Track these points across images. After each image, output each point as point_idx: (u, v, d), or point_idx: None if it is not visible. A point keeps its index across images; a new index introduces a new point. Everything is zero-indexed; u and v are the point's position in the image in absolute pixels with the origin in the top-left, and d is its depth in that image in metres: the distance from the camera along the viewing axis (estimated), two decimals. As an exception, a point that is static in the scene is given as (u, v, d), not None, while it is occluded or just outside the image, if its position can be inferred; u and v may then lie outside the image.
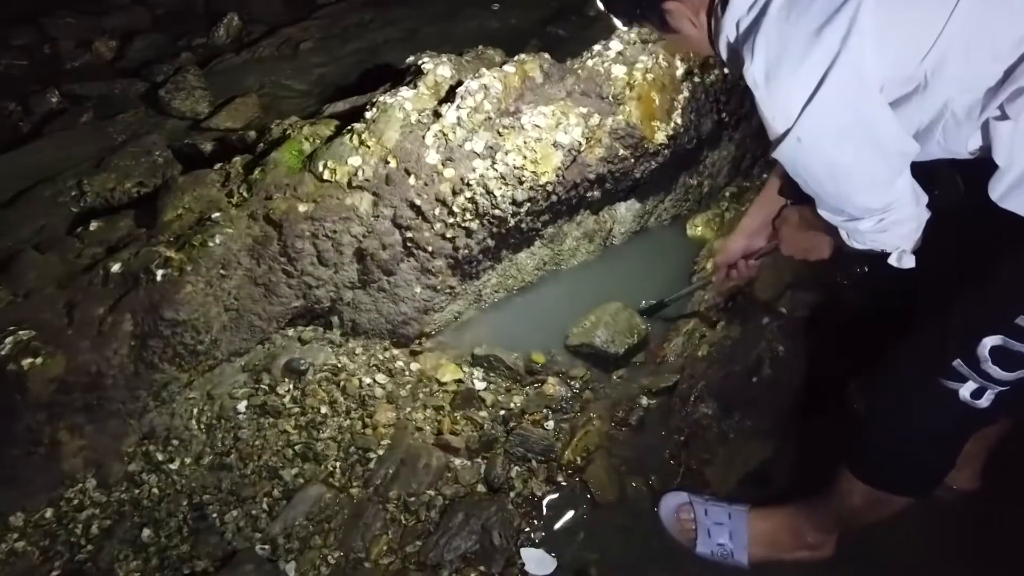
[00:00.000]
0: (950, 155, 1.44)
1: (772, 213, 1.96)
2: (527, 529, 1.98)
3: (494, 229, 2.38)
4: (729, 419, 2.13)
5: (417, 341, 2.46)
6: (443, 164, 2.34)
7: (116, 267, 2.12)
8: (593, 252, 2.77)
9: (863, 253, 1.52)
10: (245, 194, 2.38)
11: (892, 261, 1.50)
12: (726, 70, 2.39)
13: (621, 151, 2.50)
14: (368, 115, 2.43)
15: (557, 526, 2.01)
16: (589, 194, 2.56)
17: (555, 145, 2.38)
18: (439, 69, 2.57)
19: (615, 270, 2.72)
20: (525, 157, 2.34)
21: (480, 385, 2.27)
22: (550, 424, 2.19)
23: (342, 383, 2.25)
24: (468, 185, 2.32)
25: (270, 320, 2.32)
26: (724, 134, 2.93)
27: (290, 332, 2.38)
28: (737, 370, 2.18)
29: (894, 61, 1.32)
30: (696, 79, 2.67)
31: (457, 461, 2.07)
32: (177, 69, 3.67)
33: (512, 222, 2.39)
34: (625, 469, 2.08)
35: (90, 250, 2.30)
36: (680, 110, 2.61)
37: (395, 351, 2.40)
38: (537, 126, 2.38)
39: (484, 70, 2.46)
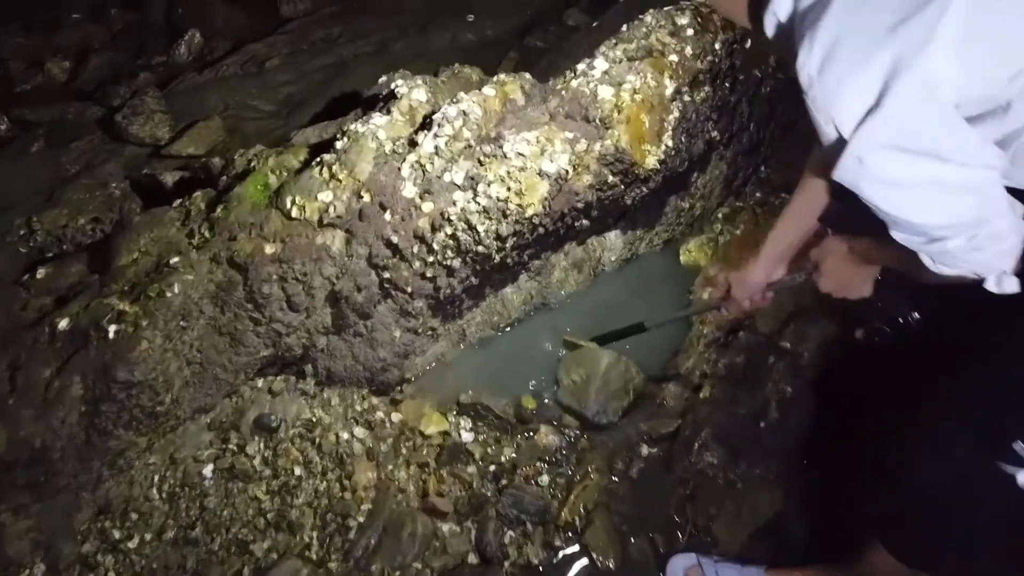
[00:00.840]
0: (1011, 183, 1.24)
1: (796, 240, 1.77)
2: (524, 604, 1.83)
3: (478, 266, 2.22)
4: (736, 467, 1.99)
5: (397, 388, 2.29)
6: (421, 197, 2.17)
7: (64, 323, 1.93)
8: (583, 282, 2.62)
9: (951, 281, 1.27)
10: (207, 234, 2.20)
11: (990, 286, 1.25)
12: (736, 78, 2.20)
13: (610, 178, 2.34)
14: (339, 145, 2.25)
15: (557, 599, 1.87)
16: (577, 223, 2.40)
17: (540, 174, 2.22)
18: (414, 93, 2.39)
19: (606, 301, 2.57)
20: (509, 188, 2.18)
21: (467, 437, 2.11)
22: (544, 479, 2.03)
23: (317, 439, 2.08)
24: (448, 220, 2.15)
25: (237, 372, 2.14)
26: (715, 153, 2.78)
27: (259, 383, 2.20)
28: (742, 413, 2.04)
29: (977, 78, 1.12)
30: (686, 97, 2.52)
31: (445, 527, 1.91)
32: (135, 91, 3.47)
33: (497, 258, 2.23)
34: (627, 528, 1.93)
35: (37, 301, 2.10)
36: (671, 131, 2.46)
37: (374, 400, 2.23)
38: (521, 154, 2.22)
39: (462, 94, 2.29)
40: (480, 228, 2.15)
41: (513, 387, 2.30)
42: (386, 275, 2.18)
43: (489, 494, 1.99)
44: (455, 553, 1.88)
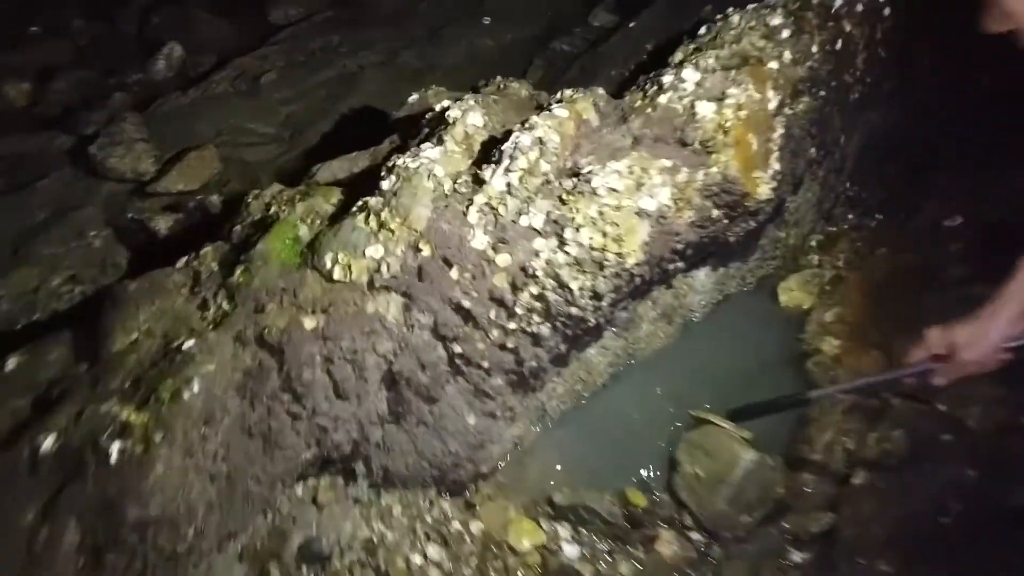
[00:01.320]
0: None
1: None
2: None
3: (568, 331, 1.79)
4: (915, 577, 1.58)
5: (472, 487, 1.85)
6: (495, 248, 1.74)
7: (48, 442, 1.47)
8: (671, 335, 2.20)
9: None
10: (226, 306, 1.74)
11: None
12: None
13: (715, 212, 1.93)
14: (385, 185, 1.81)
15: None
16: (672, 267, 1.99)
17: (640, 214, 1.80)
18: (469, 117, 1.96)
19: (702, 355, 2.15)
20: (605, 233, 1.75)
21: (571, 552, 1.69)
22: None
23: (383, 566, 1.63)
24: (533, 276, 1.72)
25: (273, 482, 1.68)
26: (807, 173, 2.38)
27: (299, 490, 1.75)
28: (916, 509, 1.63)
29: None
30: (788, 111, 2.12)
31: None
32: (111, 117, 2.98)
33: (592, 320, 1.80)
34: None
35: (9, 405, 1.62)
36: (778, 152, 2.05)
37: (445, 505, 1.79)
38: (613, 189, 1.79)
39: (535, 119, 1.86)
40: (573, 285, 1.72)
41: (613, 476, 1.88)
42: (456, 348, 1.74)
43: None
44: None
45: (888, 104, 2.59)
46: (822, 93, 2.27)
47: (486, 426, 1.81)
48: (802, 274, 2.32)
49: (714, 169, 1.90)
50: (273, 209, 1.96)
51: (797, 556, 1.66)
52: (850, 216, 2.55)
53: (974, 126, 2.39)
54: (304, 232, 1.85)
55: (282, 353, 1.67)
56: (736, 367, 2.13)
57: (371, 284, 1.73)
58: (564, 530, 1.73)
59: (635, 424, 1.99)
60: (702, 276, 2.23)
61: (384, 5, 3.84)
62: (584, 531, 1.74)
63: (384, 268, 1.73)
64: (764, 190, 1.96)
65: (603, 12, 3.70)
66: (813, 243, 2.47)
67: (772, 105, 2.05)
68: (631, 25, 3.31)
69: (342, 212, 1.86)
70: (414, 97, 2.42)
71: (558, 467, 1.89)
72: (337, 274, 1.73)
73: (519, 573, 1.66)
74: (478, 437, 1.81)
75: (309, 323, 1.70)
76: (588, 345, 1.99)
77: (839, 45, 2.31)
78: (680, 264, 2.01)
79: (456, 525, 1.73)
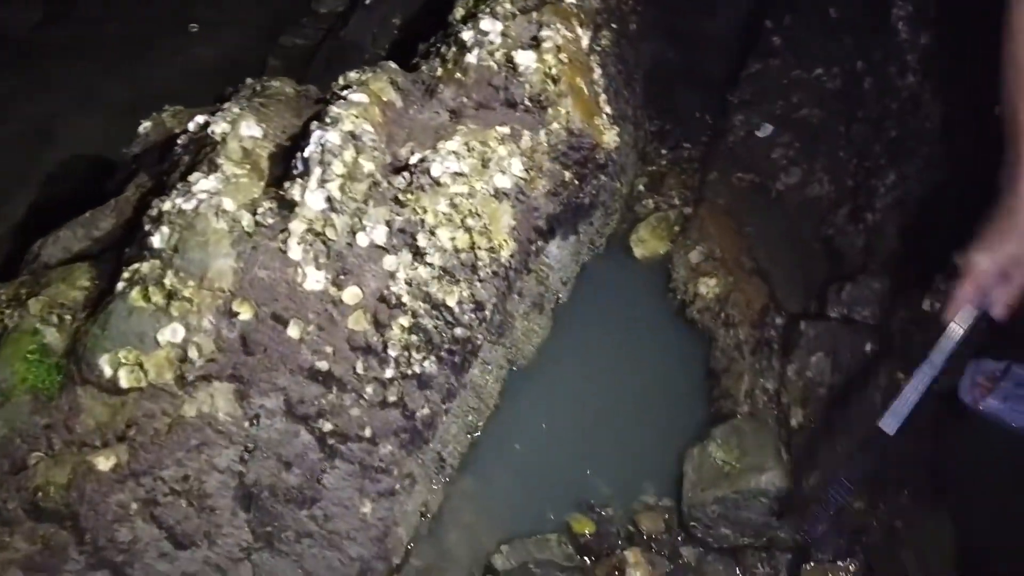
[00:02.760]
0: None
1: None
2: None
3: (457, 359, 1.42)
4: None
5: (391, 589, 1.43)
6: (337, 284, 1.32)
7: None
8: (545, 326, 1.90)
9: None
10: (-40, 480, 1.14)
11: None
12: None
13: (567, 174, 1.65)
14: (156, 242, 1.31)
15: None
16: (534, 247, 1.69)
17: (497, 196, 1.47)
18: (242, 128, 1.49)
19: (582, 339, 1.89)
20: (467, 229, 1.40)
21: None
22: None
23: None
24: (398, 305, 1.33)
25: None
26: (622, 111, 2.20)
27: None
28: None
29: None
30: (597, 47, 1.91)
31: None
32: None
33: (480, 338, 1.44)
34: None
35: None
36: (604, 95, 1.82)
37: (368, 626, 1.35)
38: (459, 174, 1.44)
39: (336, 110, 1.44)
40: (450, 302, 1.36)
41: (547, 510, 1.55)
42: (325, 426, 1.30)
43: None
44: None
45: (655, 33, 2.50)
46: (614, 25, 2.08)
47: (387, 509, 1.39)
48: (647, 222, 2.14)
49: (555, 125, 1.61)
50: (-8, 316, 1.36)
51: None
52: (663, 151, 2.42)
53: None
54: (53, 337, 1.29)
55: (75, 519, 1.13)
56: (621, 341, 1.89)
57: (181, 380, 1.24)
58: (521, 604, 1.38)
59: (546, 440, 1.68)
60: (555, 251, 1.95)
61: (55, 35, 3.09)
62: (546, 589, 1.40)
63: (193, 353, 1.24)
64: (610, 137, 1.71)
65: (327, -2, 3.28)
66: (641, 187, 2.30)
67: (585, 43, 1.82)
68: (367, 3, 2.94)
69: (102, 296, 1.32)
70: (146, 125, 1.88)
71: (480, 525, 1.52)
72: (125, 381, 1.22)
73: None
74: (380, 527, 1.39)
75: (104, 462, 1.17)
76: (470, 367, 1.63)
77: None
78: (541, 243, 1.72)
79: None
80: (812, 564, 1.47)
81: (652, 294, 2.01)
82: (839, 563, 1.47)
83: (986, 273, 1.11)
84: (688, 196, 2.23)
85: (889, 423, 1.24)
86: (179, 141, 1.60)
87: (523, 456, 1.64)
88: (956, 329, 1.18)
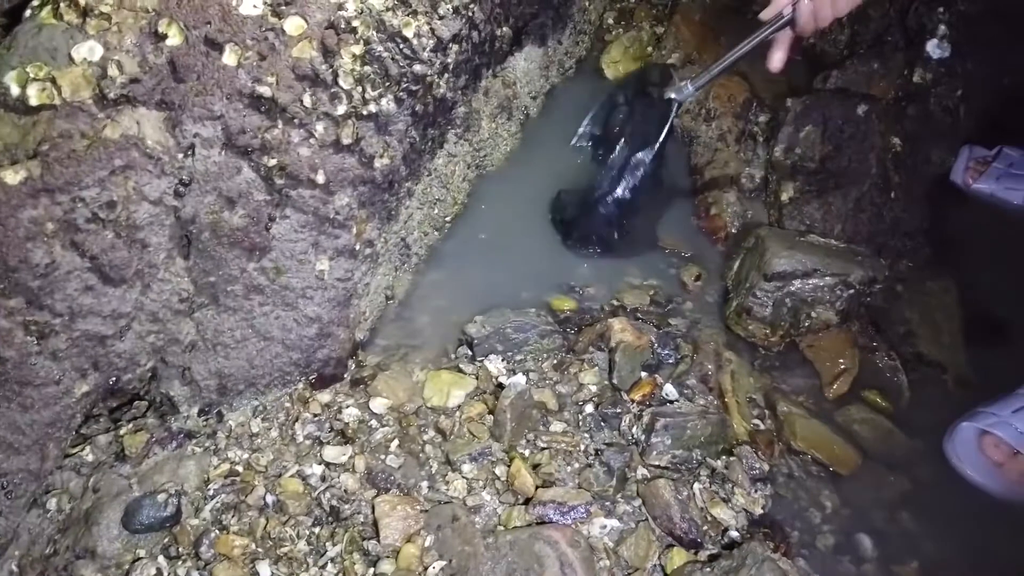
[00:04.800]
0: None
1: None
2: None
3: (419, 106, 1.28)
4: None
5: (353, 363, 1.29)
6: (276, 13, 1.17)
7: None
8: (515, 134, 1.77)
9: None
10: None
11: None
12: None
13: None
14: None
15: None
16: (499, 32, 1.56)
17: (455, -66, 1.33)
18: None
19: (553, 149, 1.77)
20: (423, -41, 1.26)
21: (517, 381, 1.19)
22: (670, 391, 1.22)
23: (267, 499, 1.03)
24: (350, 30, 1.19)
25: (43, 444, 1.00)
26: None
27: (88, 453, 1.07)
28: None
29: None
30: None
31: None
32: None
33: (443, 89, 1.31)
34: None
35: None
36: None
37: (324, 394, 1.21)
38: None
39: None
40: (408, 33, 1.22)
41: (522, 292, 1.43)
42: (270, 162, 1.16)
43: (632, 449, 1.13)
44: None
45: None
46: None
47: (347, 270, 1.25)
48: (618, 42, 2.02)
49: None
50: None
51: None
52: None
53: None
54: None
55: (-21, 236, 0.98)
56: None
57: (101, 99, 1.08)
58: (495, 365, 1.24)
59: (519, 232, 1.55)
60: (523, 63, 1.82)
61: None
62: (520, 357, 1.27)
63: (113, 71, 1.09)
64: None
65: None
66: (610, 20, 2.18)
67: None
68: None
69: (12, 19, 1.16)
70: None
71: (452, 309, 1.39)
72: (35, 98, 1.06)
73: (466, 431, 1.15)
74: (340, 289, 1.25)
75: (13, 176, 1.02)
76: (433, 149, 1.49)
77: None
78: (506, 29, 1.59)
79: (352, 412, 1.17)
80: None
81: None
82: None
83: None
84: (663, 16, 2.12)
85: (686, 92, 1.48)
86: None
87: (496, 248, 1.51)
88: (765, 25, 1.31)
